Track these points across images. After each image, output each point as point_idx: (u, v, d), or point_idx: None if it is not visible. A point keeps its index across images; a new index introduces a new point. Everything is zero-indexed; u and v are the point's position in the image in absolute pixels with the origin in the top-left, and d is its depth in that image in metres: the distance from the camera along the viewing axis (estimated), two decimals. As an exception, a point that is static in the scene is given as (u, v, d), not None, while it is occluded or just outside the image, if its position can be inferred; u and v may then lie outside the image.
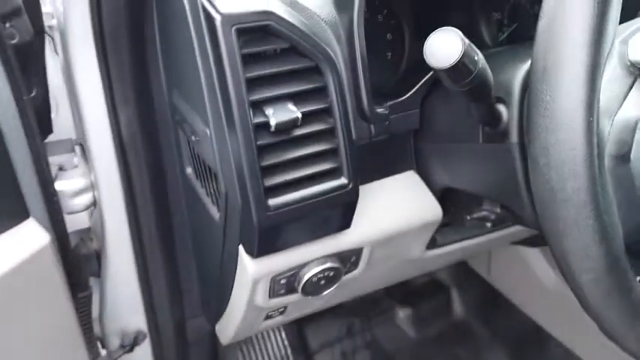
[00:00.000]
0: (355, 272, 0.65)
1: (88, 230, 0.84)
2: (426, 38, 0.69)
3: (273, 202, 0.50)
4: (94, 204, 0.73)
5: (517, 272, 1.25)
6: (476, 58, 0.42)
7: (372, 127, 0.57)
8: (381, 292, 1.36)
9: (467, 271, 1.40)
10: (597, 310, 0.39)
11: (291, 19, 0.48)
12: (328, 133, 0.52)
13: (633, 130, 0.37)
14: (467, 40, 0.41)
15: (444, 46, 0.40)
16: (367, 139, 0.57)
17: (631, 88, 0.40)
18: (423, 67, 0.66)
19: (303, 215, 0.52)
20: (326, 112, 0.52)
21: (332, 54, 0.51)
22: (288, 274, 0.58)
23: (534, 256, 1.18)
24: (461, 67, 0.41)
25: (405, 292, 1.38)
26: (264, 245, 0.53)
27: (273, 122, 0.47)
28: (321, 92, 0.51)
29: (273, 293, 0.59)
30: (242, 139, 0.47)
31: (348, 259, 0.62)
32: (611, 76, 0.41)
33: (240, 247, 0.55)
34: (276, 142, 0.49)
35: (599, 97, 0.35)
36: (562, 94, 0.34)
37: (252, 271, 0.55)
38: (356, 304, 1.32)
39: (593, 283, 0.37)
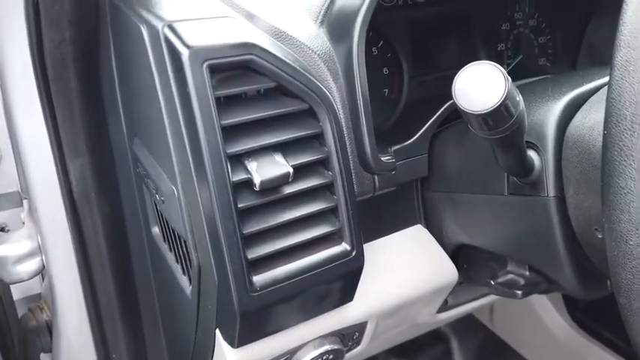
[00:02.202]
0: (358, 349, 0.55)
1: (38, 297, 0.73)
2: (425, 71, 0.60)
3: (258, 279, 0.39)
4: (44, 269, 0.61)
5: (523, 320, 1.15)
6: (518, 98, 0.33)
7: (377, 178, 0.48)
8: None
9: (468, 319, 1.30)
10: None
11: (277, 53, 0.39)
12: (326, 190, 0.42)
13: None
14: (509, 77, 0.32)
15: (483, 85, 0.31)
16: (371, 193, 0.48)
17: None
18: (427, 104, 0.58)
19: (297, 293, 0.41)
20: (322, 164, 0.42)
21: (328, 93, 0.42)
22: (278, 361, 0.47)
23: (542, 303, 1.09)
24: (502, 112, 0.32)
25: (403, 344, 1.27)
26: (247, 332, 0.42)
27: (257, 180, 0.37)
28: (316, 140, 0.42)
29: (258, 385, 0.48)
30: (218, 202, 0.36)
31: (350, 336, 0.51)
32: None
33: (218, 332, 0.44)
34: (262, 203, 0.39)
35: None
36: None
37: (232, 362, 0.44)
38: None
39: None
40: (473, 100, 0.31)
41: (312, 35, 0.44)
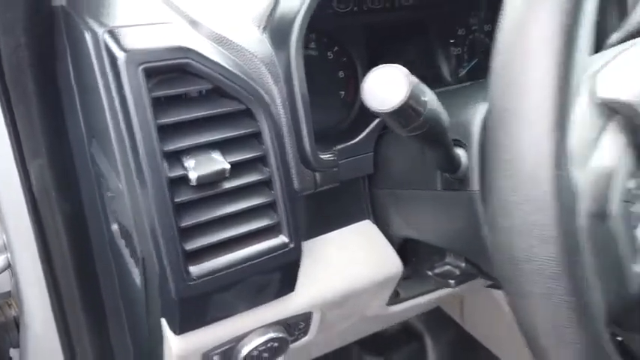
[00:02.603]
0: (305, 339, 0.57)
1: (8, 294, 0.75)
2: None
3: (196, 269, 0.42)
4: (9, 266, 0.63)
5: (492, 317, 1.18)
6: (424, 98, 0.36)
7: (318, 175, 0.51)
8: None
9: (440, 317, 1.32)
10: None
11: (214, 57, 0.42)
12: (264, 185, 0.45)
13: (609, 183, 0.31)
14: (414, 78, 0.35)
15: (386, 86, 0.34)
16: (312, 189, 0.51)
17: (603, 131, 0.34)
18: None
19: (235, 282, 0.44)
20: (261, 161, 0.45)
21: (266, 95, 0.45)
22: (223, 348, 0.49)
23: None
24: (407, 110, 0.35)
25: (376, 341, 1.29)
26: (188, 320, 0.45)
27: (193, 175, 0.40)
28: (254, 139, 0.45)
29: (206, 372, 0.51)
30: (154, 196, 0.39)
31: (296, 326, 0.54)
32: (581, 118, 0.35)
33: (164, 321, 0.47)
34: (199, 198, 0.42)
35: (569, 146, 0.29)
36: (524, 145, 0.28)
37: (176, 348, 0.46)
38: (322, 357, 1.22)
39: None
40: (378, 99, 0.34)
41: (254, 41, 0.47)
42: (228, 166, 0.41)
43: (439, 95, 0.39)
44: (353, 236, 0.58)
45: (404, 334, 1.33)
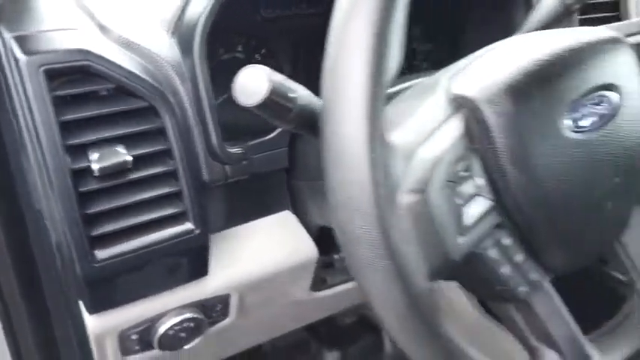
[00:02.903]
0: (227, 321, 0.61)
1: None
2: (307, 78, 0.69)
3: (102, 252, 0.46)
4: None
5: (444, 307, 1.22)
6: (292, 95, 0.40)
7: (227, 167, 0.55)
8: (307, 335, 1.31)
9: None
10: (411, 354, 0.36)
11: (115, 59, 0.46)
12: (170, 176, 0.50)
13: (436, 165, 0.36)
14: (278, 77, 0.39)
15: (251, 84, 0.38)
16: (223, 180, 0.55)
17: (445, 122, 0.39)
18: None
19: (142, 265, 0.48)
20: (167, 154, 0.49)
21: (171, 95, 0.49)
22: (140, 328, 0.54)
23: (454, 290, 1.16)
24: (273, 105, 0.39)
25: (333, 333, 1.33)
26: (99, 300, 0.49)
27: (95, 167, 0.45)
28: (159, 134, 0.49)
29: (125, 350, 0.55)
30: (58, 186, 0.43)
31: (213, 307, 0.58)
32: (429, 110, 0.40)
33: (81, 303, 0.51)
34: (104, 187, 0.46)
35: (383, 133, 0.34)
36: (344, 133, 0.32)
37: (91, 327, 0.51)
38: (279, 351, 1.26)
39: (397, 324, 0.35)
40: (244, 95, 0.38)
41: (162, 45, 0.51)
42: (130, 159, 0.46)
43: None
44: (271, 225, 0.63)
45: (361, 326, 1.38)
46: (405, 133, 0.37)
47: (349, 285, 0.74)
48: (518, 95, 0.38)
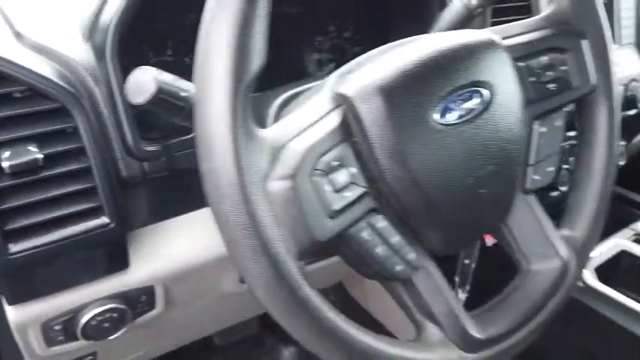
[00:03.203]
0: (154, 312, 0.64)
1: None
2: None
3: (15, 246, 0.49)
4: None
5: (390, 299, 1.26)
6: (183, 94, 0.44)
7: (146, 164, 0.58)
8: (262, 330, 1.34)
9: (346, 300, 1.41)
10: (287, 329, 0.40)
11: (26, 64, 0.49)
12: (84, 173, 0.52)
13: (307, 155, 0.39)
14: (166, 77, 0.43)
15: (140, 84, 0.42)
16: (141, 177, 0.58)
17: (324, 117, 0.43)
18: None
19: (57, 258, 0.51)
20: (82, 152, 0.52)
21: (83, 96, 0.52)
22: (63, 319, 0.56)
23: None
24: (162, 103, 0.42)
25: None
26: (18, 291, 0.51)
27: (5, 164, 0.47)
28: (72, 133, 0.52)
29: (50, 341, 0.57)
30: None
31: (137, 299, 0.61)
32: (310, 107, 0.44)
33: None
34: (16, 184, 0.49)
35: (251, 126, 0.37)
36: (209, 124, 0.36)
37: (12, 317, 0.53)
38: (234, 346, 1.29)
39: (267, 297, 0.38)
40: (134, 95, 0.42)
41: (77, 49, 0.54)
42: (40, 157, 0.49)
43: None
44: (196, 220, 0.66)
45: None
46: (280, 127, 0.41)
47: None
48: (388, 93, 0.42)
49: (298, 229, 0.39)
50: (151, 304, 0.63)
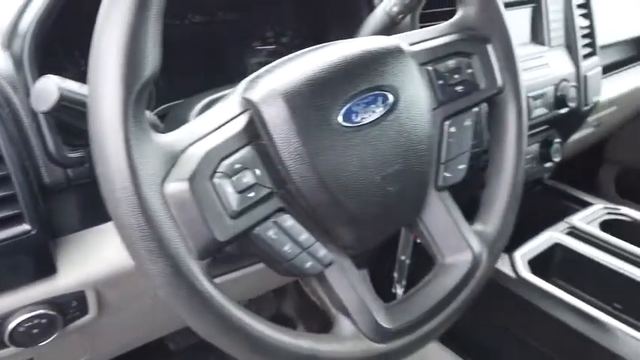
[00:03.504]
0: (87, 317, 0.65)
1: None
2: (172, 88, 0.74)
3: None
4: None
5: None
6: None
7: (70, 171, 0.59)
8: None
9: (311, 303, 1.42)
10: (193, 327, 0.42)
11: None
12: (3, 181, 0.53)
13: (202, 159, 0.41)
14: (72, 85, 0.44)
15: (43, 92, 0.43)
16: (65, 183, 0.59)
17: (230, 121, 0.44)
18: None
19: (-24, 265, 0.52)
20: (0, 160, 0.53)
21: (2, 104, 0.53)
22: (-12, 326, 0.56)
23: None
24: (68, 111, 0.44)
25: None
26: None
27: None
28: None
29: (-23, 348, 0.57)
30: None
31: (67, 304, 0.61)
32: (217, 112, 0.45)
33: None
34: None
35: (141, 131, 0.38)
36: (101, 127, 0.37)
37: None
38: (191, 351, 1.29)
39: (172, 300, 0.40)
40: (38, 102, 0.43)
41: (1, 64, 0.55)
42: None
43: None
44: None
45: (276, 321, 1.42)
46: (182, 131, 0.43)
47: (227, 277, 0.78)
48: (291, 97, 0.45)
49: (197, 229, 0.40)
50: (83, 310, 0.64)
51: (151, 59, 0.38)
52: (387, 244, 0.89)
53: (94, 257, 0.62)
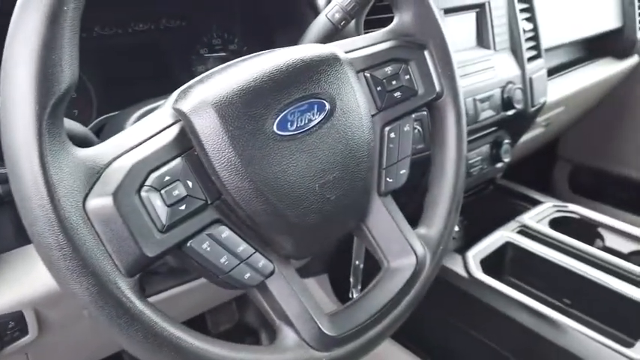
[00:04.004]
0: (27, 338, 0.62)
1: None
2: (117, 95, 0.72)
3: None
4: None
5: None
6: None
7: (0, 187, 0.56)
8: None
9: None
10: (124, 346, 0.41)
11: None
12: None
13: (127, 172, 0.40)
14: None
15: None
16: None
17: (160, 132, 0.44)
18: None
19: None
20: None
21: None
22: None
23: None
24: None
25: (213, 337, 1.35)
26: None
27: None
28: None
29: None
30: None
31: (4, 325, 0.59)
32: (146, 124, 0.44)
33: None
34: None
35: (57, 146, 0.37)
36: (14, 143, 0.36)
37: None
38: None
39: (100, 319, 0.39)
40: None
41: None
42: None
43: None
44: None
45: (239, 330, 1.41)
46: (107, 144, 0.41)
47: (175, 291, 0.77)
48: (222, 107, 0.44)
49: (124, 245, 0.39)
50: (22, 330, 0.61)
51: (68, 72, 0.37)
52: (347, 248, 0.89)
53: (32, 275, 0.60)
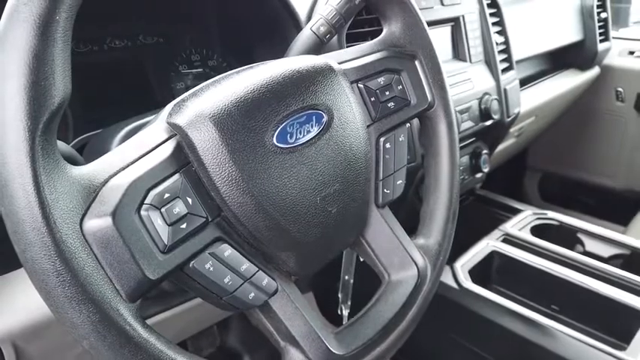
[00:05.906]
0: (6, 373, 0.58)
1: None
2: (97, 111, 0.69)
3: None
4: None
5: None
6: None
7: None
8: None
9: (258, 336, 1.37)
10: None
11: None
12: None
13: (125, 191, 0.37)
14: None
15: None
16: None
17: (156, 147, 0.41)
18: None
19: None
20: None
21: None
22: None
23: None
24: None
25: None
26: None
27: None
28: None
29: None
30: None
31: (-20, 363, 0.55)
32: (140, 139, 0.42)
33: None
34: None
35: (51, 165, 0.35)
36: (5, 163, 0.33)
37: None
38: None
39: (101, 350, 0.36)
40: None
41: None
42: None
43: None
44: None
45: (221, 355, 1.36)
46: (102, 162, 0.39)
47: (162, 316, 0.73)
48: (220, 120, 0.42)
49: (125, 268, 0.37)
50: (0, 367, 0.57)
51: (61, 85, 0.34)
52: (329, 264, 0.88)
53: (11, 307, 0.56)
